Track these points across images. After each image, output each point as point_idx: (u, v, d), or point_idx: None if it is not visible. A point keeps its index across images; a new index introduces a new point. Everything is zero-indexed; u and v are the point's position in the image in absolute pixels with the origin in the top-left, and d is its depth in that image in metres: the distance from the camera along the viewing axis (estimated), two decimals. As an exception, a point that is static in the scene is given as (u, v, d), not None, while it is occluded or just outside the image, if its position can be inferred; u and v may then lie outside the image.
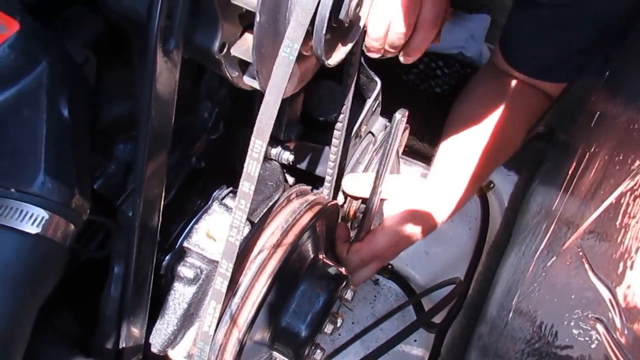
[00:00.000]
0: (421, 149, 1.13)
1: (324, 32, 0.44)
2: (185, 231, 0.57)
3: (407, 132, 0.92)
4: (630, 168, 0.42)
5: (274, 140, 0.71)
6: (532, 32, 0.75)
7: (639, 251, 0.32)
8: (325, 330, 0.62)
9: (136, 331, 0.54)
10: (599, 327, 0.34)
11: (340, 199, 0.80)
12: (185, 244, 0.56)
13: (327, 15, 0.43)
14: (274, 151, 0.71)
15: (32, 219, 0.40)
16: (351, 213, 0.80)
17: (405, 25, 0.64)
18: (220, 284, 0.50)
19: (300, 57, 0.43)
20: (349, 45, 0.52)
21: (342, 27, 0.48)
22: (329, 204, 0.66)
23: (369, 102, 0.78)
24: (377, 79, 0.79)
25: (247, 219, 0.49)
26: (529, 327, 0.55)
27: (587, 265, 0.40)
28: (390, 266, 1.18)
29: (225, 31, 0.45)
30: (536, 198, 0.95)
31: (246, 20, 0.47)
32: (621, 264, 0.34)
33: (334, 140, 0.67)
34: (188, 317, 0.57)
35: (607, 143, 0.54)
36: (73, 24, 0.49)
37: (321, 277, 0.61)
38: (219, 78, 0.62)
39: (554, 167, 0.89)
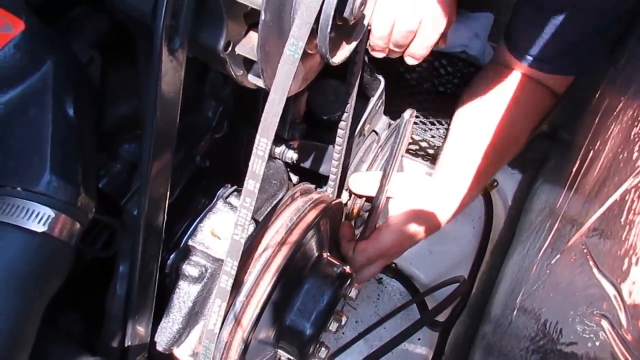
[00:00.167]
0: (425, 147, 1.13)
1: (328, 30, 0.44)
2: (190, 230, 0.57)
3: (412, 119, 0.91)
4: (634, 165, 0.42)
5: (278, 139, 0.71)
6: (537, 23, 0.75)
7: (645, 247, 0.32)
8: (330, 328, 0.62)
9: (141, 330, 0.54)
10: (604, 323, 0.34)
11: (344, 198, 0.80)
12: (190, 243, 0.56)
13: (332, 13, 0.43)
14: (278, 150, 0.71)
15: (38, 218, 0.41)
16: (355, 211, 0.80)
17: (410, 24, 0.65)
18: (225, 282, 0.51)
19: (304, 56, 0.44)
20: (353, 44, 0.52)
21: (347, 26, 0.48)
22: (333, 203, 0.66)
23: (373, 100, 0.78)
24: (380, 77, 0.79)
25: (252, 217, 0.49)
26: (533, 325, 0.54)
27: (591, 263, 0.40)
28: (394, 265, 1.18)
29: (230, 30, 0.45)
30: (540, 196, 0.95)
31: (251, 19, 0.47)
32: (626, 261, 0.34)
33: (337, 138, 0.68)
34: (193, 316, 0.57)
35: (611, 140, 0.54)
36: (78, 24, 0.50)
37: (326, 276, 0.61)
38: (223, 77, 0.62)
39: (558, 165, 0.89)
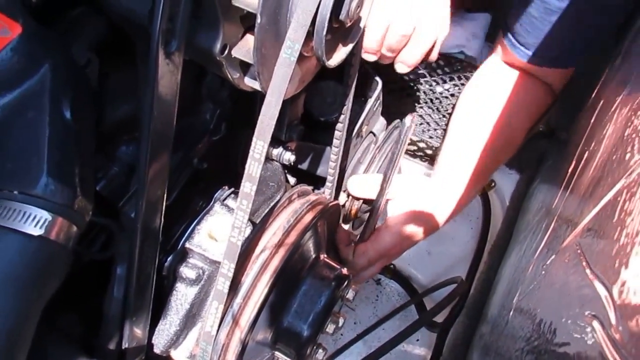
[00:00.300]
0: (423, 147, 1.13)
1: (324, 32, 0.44)
2: (187, 232, 0.57)
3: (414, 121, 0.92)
4: (627, 165, 0.42)
5: (275, 141, 0.72)
6: (535, 17, 0.75)
7: (634, 249, 0.32)
8: (327, 330, 0.62)
9: (139, 332, 0.54)
10: (595, 324, 0.34)
11: (341, 199, 0.80)
12: (187, 245, 0.57)
13: (328, 16, 0.43)
14: (275, 152, 0.71)
15: (35, 221, 0.41)
16: (353, 212, 0.80)
17: (405, 28, 0.65)
18: (222, 284, 0.51)
19: (301, 58, 0.44)
20: (350, 46, 0.52)
21: (343, 28, 0.48)
22: (331, 204, 0.67)
23: (370, 102, 0.78)
24: (377, 78, 0.79)
25: (249, 219, 0.49)
26: (528, 326, 0.55)
27: (584, 263, 0.41)
28: (392, 266, 1.19)
29: (227, 33, 0.45)
30: (537, 197, 0.95)
31: (247, 22, 0.47)
32: (617, 261, 0.34)
33: (335, 140, 0.68)
34: (190, 318, 0.57)
35: (605, 140, 0.54)
36: (76, 26, 0.50)
37: (323, 277, 0.61)
38: (220, 79, 0.62)
39: (555, 165, 0.89)
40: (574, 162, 0.67)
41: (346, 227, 0.84)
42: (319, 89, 0.75)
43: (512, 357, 0.57)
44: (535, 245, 0.70)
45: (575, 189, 0.59)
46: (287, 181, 0.77)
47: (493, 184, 1.17)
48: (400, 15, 0.65)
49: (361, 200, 0.80)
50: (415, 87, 1.02)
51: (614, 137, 0.51)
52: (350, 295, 0.63)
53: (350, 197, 0.80)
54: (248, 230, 0.57)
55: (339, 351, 0.99)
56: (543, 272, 0.58)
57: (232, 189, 0.62)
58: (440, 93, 0.99)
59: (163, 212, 0.51)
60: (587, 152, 0.61)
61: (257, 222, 0.59)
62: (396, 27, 0.65)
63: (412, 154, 1.16)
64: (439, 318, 1.04)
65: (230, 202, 0.60)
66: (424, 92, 1.01)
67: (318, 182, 0.76)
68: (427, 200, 0.78)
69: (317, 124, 0.75)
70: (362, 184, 0.78)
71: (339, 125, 0.67)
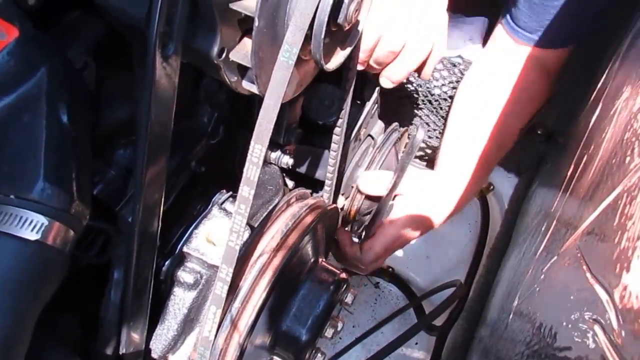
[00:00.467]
0: (422, 147, 1.13)
1: (322, 36, 0.44)
2: (185, 236, 0.57)
3: (407, 134, 0.92)
4: (627, 169, 0.42)
5: (273, 144, 0.71)
6: (536, 2, 0.75)
7: (636, 252, 0.32)
8: (326, 334, 0.62)
9: (136, 337, 0.54)
10: (597, 328, 0.34)
11: (340, 202, 0.80)
12: (185, 249, 0.56)
13: (326, 19, 0.43)
14: (274, 155, 0.71)
15: (31, 226, 0.40)
16: (352, 214, 0.81)
17: (394, 45, 0.65)
18: (220, 288, 0.50)
19: (299, 61, 0.44)
20: (348, 50, 0.52)
21: (341, 32, 0.48)
22: (329, 208, 0.67)
23: (368, 105, 0.78)
24: (375, 82, 0.79)
25: (247, 223, 0.49)
26: (528, 329, 0.55)
27: (585, 267, 0.41)
28: (390, 269, 1.18)
29: (224, 36, 0.45)
30: (536, 200, 0.95)
31: (245, 25, 0.47)
32: (618, 265, 0.34)
33: (333, 144, 0.68)
34: (188, 322, 0.57)
35: (604, 144, 0.54)
36: (73, 30, 0.50)
37: (321, 281, 0.61)
38: (218, 82, 0.62)
39: (553, 168, 0.89)
40: (572, 165, 0.67)
41: (346, 229, 0.84)
42: (316, 92, 0.75)
43: (511, 361, 0.57)
44: (535, 248, 0.70)
45: (574, 192, 0.59)
46: (286, 185, 0.77)
47: (492, 187, 1.17)
48: (391, 31, 0.65)
49: (361, 202, 0.81)
50: (413, 91, 1.02)
51: (613, 141, 0.51)
52: (349, 299, 0.63)
53: (350, 199, 0.81)
54: (246, 234, 0.56)
55: (337, 355, 0.99)
56: (543, 276, 0.58)
57: (230, 193, 0.61)
58: (439, 95, 1.00)
59: (160, 215, 0.51)
60: (586, 156, 0.61)
61: (256, 226, 0.59)
62: (386, 42, 0.66)
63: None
64: (438, 321, 1.04)
65: (228, 205, 0.60)
66: (423, 95, 1.01)
67: (316, 186, 0.76)
68: (428, 196, 0.80)
69: (315, 127, 0.75)
70: (372, 182, 0.79)
71: (337, 129, 0.67)
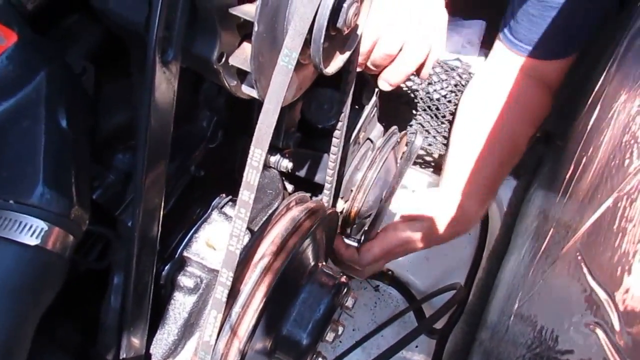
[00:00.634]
0: (422, 154, 1.13)
1: (322, 40, 0.44)
2: (185, 240, 0.57)
3: (406, 137, 0.92)
4: (626, 172, 0.42)
5: (272, 148, 0.71)
6: (532, 10, 0.75)
7: (637, 255, 0.32)
8: (327, 338, 0.61)
9: (137, 342, 0.54)
10: (599, 331, 0.34)
11: (339, 206, 0.80)
12: (185, 254, 0.56)
13: (325, 23, 0.43)
14: (273, 159, 0.71)
15: (31, 231, 0.40)
16: (352, 217, 0.81)
17: (390, 48, 0.65)
18: (220, 293, 0.50)
19: (298, 66, 0.44)
20: (347, 54, 0.52)
21: (340, 36, 0.48)
22: (329, 211, 0.66)
23: (367, 108, 0.78)
24: (374, 85, 0.79)
25: (247, 227, 0.49)
26: (529, 332, 0.54)
27: (585, 270, 0.41)
28: (390, 272, 1.18)
29: (224, 41, 0.45)
30: (535, 202, 0.95)
31: (244, 30, 0.47)
32: (619, 268, 0.34)
33: (332, 147, 0.68)
34: (189, 327, 0.57)
35: (603, 147, 0.54)
36: (71, 35, 0.50)
37: (322, 285, 0.61)
38: (217, 87, 0.62)
39: (552, 171, 0.89)
40: (571, 168, 0.67)
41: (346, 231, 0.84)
42: (315, 96, 0.75)
43: (512, 364, 0.57)
44: (534, 251, 0.70)
45: (573, 195, 0.59)
46: (285, 188, 0.77)
47: (490, 190, 1.17)
48: (388, 34, 0.65)
49: (361, 204, 0.81)
50: (412, 94, 1.02)
51: (611, 143, 0.51)
52: (349, 302, 0.63)
53: (349, 201, 0.81)
54: (246, 239, 0.56)
55: (338, 358, 0.98)
56: (543, 279, 0.58)
57: (230, 197, 0.61)
58: (438, 100, 1.00)
59: (160, 220, 0.51)
60: (585, 158, 0.61)
61: (255, 229, 0.59)
62: (382, 45, 0.65)
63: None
64: (438, 324, 1.04)
65: (228, 210, 0.60)
66: (421, 99, 1.02)
67: (316, 189, 0.76)
68: (434, 211, 0.80)
69: (315, 131, 0.75)
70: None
71: (336, 132, 0.67)
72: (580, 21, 0.77)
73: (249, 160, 0.45)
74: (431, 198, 0.82)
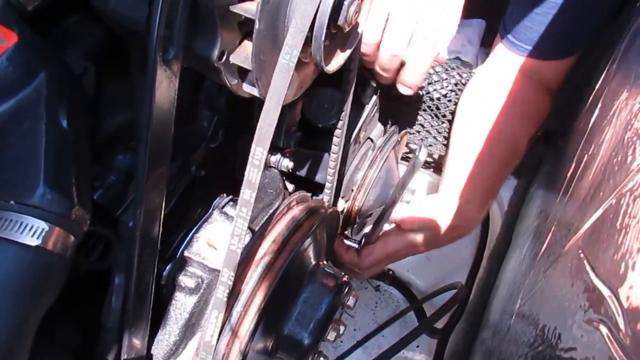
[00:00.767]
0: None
1: (323, 38, 0.44)
2: (186, 240, 0.57)
3: (406, 137, 0.92)
4: (629, 169, 0.42)
5: (273, 148, 0.71)
6: (532, 10, 0.75)
7: (641, 252, 0.32)
8: (329, 337, 0.61)
9: (138, 342, 0.54)
10: (603, 328, 0.34)
11: (340, 205, 0.80)
12: (186, 254, 0.56)
13: (326, 21, 0.43)
14: (274, 158, 0.71)
15: (32, 231, 0.40)
16: (353, 216, 0.81)
17: (394, 47, 0.62)
18: (222, 292, 0.50)
19: (299, 64, 0.44)
20: (348, 52, 0.52)
21: (341, 33, 0.48)
22: (330, 211, 0.66)
23: (368, 108, 0.78)
24: (374, 84, 0.79)
25: (248, 227, 0.49)
26: (531, 331, 0.54)
27: (588, 267, 0.40)
28: (391, 272, 1.18)
29: (225, 39, 0.45)
30: (536, 201, 0.95)
31: (245, 28, 0.47)
32: (623, 265, 0.34)
33: (333, 146, 0.68)
34: (190, 327, 0.57)
35: (605, 144, 0.54)
36: (72, 35, 0.50)
37: (323, 284, 0.61)
38: (217, 86, 0.62)
39: (552, 170, 0.89)
40: (573, 166, 0.67)
41: (346, 232, 0.84)
42: (316, 95, 0.75)
43: (515, 363, 0.57)
44: (536, 249, 0.70)
45: (575, 193, 0.59)
46: (286, 188, 0.77)
47: (491, 189, 1.17)
48: (390, 31, 0.63)
49: (362, 203, 0.81)
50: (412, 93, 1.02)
51: (613, 141, 0.51)
52: (351, 302, 0.63)
53: (350, 201, 0.81)
54: (247, 238, 0.56)
55: (339, 358, 0.98)
56: (545, 277, 0.58)
57: (231, 197, 0.61)
58: (438, 99, 1.00)
59: (161, 220, 0.50)
60: (586, 156, 0.61)
61: (256, 229, 0.59)
62: (386, 46, 0.63)
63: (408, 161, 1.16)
64: (439, 324, 1.04)
65: (228, 209, 0.60)
66: (420, 98, 1.01)
67: (316, 189, 0.76)
68: (435, 214, 0.79)
69: (315, 130, 0.75)
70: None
71: (337, 132, 0.67)
72: (581, 21, 0.76)
73: (250, 158, 0.45)
74: (431, 201, 0.81)
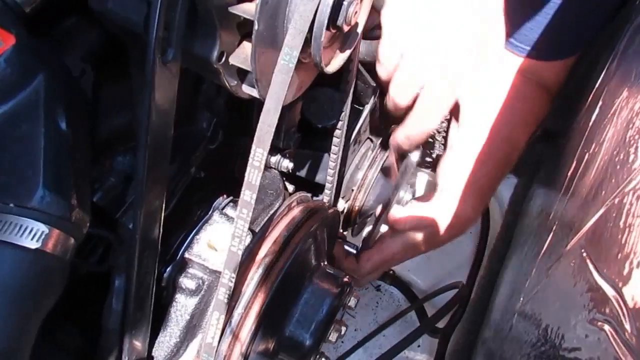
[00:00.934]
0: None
1: (322, 38, 0.44)
2: (186, 242, 0.57)
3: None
4: (631, 167, 0.42)
5: (273, 149, 0.71)
6: (530, 10, 0.75)
7: (646, 250, 0.32)
8: (330, 338, 0.61)
9: (139, 344, 0.53)
10: (607, 328, 0.34)
11: (340, 206, 0.80)
12: (186, 255, 0.56)
13: (326, 21, 0.43)
14: (273, 159, 0.71)
15: (31, 234, 0.40)
16: (353, 216, 0.80)
17: (404, 98, 0.62)
18: (223, 294, 0.50)
19: (298, 64, 0.43)
20: (347, 52, 0.52)
21: (340, 34, 0.48)
22: (330, 211, 0.66)
23: (367, 108, 0.78)
24: (374, 84, 0.79)
25: (249, 228, 0.48)
26: (534, 330, 0.54)
27: (591, 266, 0.40)
28: (391, 272, 1.18)
29: (224, 40, 0.45)
30: (536, 200, 0.95)
31: (244, 29, 0.47)
32: (627, 264, 0.34)
33: (333, 147, 0.67)
34: (191, 329, 0.56)
35: (606, 143, 0.54)
36: (70, 37, 0.49)
37: (324, 285, 0.61)
38: (216, 87, 0.62)
39: (553, 169, 0.89)
40: (573, 165, 0.67)
41: (345, 233, 0.84)
42: (316, 96, 0.74)
43: (517, 363, 0.57)
44: (537, 249, 0.70)
45: (576, 192, 0.59)
46: (286, 189, 0.76)
47: (491, 188, 1.17)
48: (399, 82, 0.62)
49: (362, 203, 0.81)
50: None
51: (615, 139, 0.51)
52: (352, 302, 0.63)
53: (350, 201, 0.80)
54: (248, 239, 0.56)
55: (340, 359, 0.98)
56: (547, 276, 0.58)
57: (231, 198, 0.61)
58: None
59: (162, 222, 0.50)
60: (587, 155, 0.60)
61: (257, 230, 0.58)
62: (395, 97, 0.62)
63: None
64: (440, 324, 1.04)
65: (229, 210, 0.59)
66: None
67: (316, 190, 0.76)
68: (432, 214, 0.79)
69: (315, 131, 0.75)
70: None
71: (337, 132, 0.66)
72: (581, 22, 0.76)
73: (250, 160, 0.44)
74: (428, 201, 0.81)
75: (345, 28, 0.46)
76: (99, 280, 0.52)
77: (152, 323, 0.54)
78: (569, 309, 0.43)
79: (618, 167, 0.45)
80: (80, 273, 0.52)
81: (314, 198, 0.73)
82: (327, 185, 0.71)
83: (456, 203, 0.79)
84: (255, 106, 0.65)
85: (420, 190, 1.16)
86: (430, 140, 1.07)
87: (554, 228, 0.66)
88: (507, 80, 0.82)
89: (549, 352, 0.46)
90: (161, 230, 0.50)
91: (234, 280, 0.49)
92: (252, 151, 0.44)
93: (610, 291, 0.35)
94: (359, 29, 0.51)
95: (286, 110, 0.69)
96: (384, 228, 0.79)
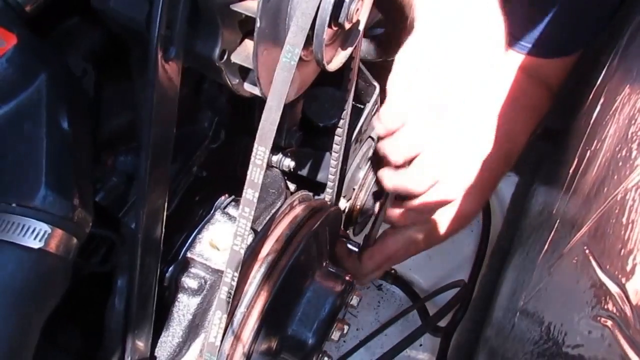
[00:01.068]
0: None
1: (324, 36, 0.44)
2: (189, 241, 0.57)
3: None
4: (634, 164, 0.42)
5: (274, 147, 0.71)
6: (537, 11, 0.75)
7: (649, 247, 0.32)
8: (332, 337, 0.61)
9: (141, 344, 0.53)
10: (610, 324, 0.34)
11: (342, 205, 0.80)
12: (188, 255, 0.56)
13: (328, 19, 0.43)
14: (275, 158, 0.71)
15: (34, 234, 0.40)
16: (354, 214, 0.80)
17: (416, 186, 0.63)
18: (225, 293, 0.50)
19: (300, 62, 0.43)
20: (349, 50, 0.52)
21: (342, 31, 0.48)
22: (332, 210, 0.66)
23: (369, 106, 0.78)
24: (375, 83, 0.78)
25: (251, 227, 0.48)
26: (536, 328, 0.54)
27: (594, 263, 0.40)
28: (393, 271, 1.18)
29: (225, 38, 0.45)
30: (538, 198, 0.95)
31: (246, 27, 0.46)
32: (630, 260, 0.34)
33: (334, 145, 0.67)
34: (193, 329, 0.56)
35: (608, 139, 0.54)
36: (72, 36, 0.49)
37: (326, 284, 0.61)
38: (218, 86, 0.62)
39: (554, 166, 0.89)
40: (575, 162, 0.67)
41: (347, 231, 0.84)
42: (317, 94, 0.74)
43: (520, 361, 0.57)
44: (539, 246, 0.70)
45: (578, 189, 0.59)
46: (288, 188, 0.76)
47: (492, 186, 1.17)
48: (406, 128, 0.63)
49: (364, 201, 0.80)
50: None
51: (616, 136, 0.51)
52: (354, 301, 0.63)
53: (352, 199, 0.80)
54: (250, 238, 0.56)
55: (342, 358, 0.98)
56: (549, 274, 0.58)
57: (233, 197, 0.61)
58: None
59: (164, 221, 0.50)
60: (589, 152, 0.60)
61: (259, 229, 0.58)
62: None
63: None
64: (442, 322, 1.04)
65: (231, 210, 0.59)
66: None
67: (318, 188, 0.76)
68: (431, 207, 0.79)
69: (316, 129, 0.75)
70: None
71: (338, 131, 0.66)
72: (583, 20, 0.76)
73: (252, 158, 0.44)
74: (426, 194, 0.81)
75: (347, 25, 0.46)
76: (101, 281, 0.52)
77: (155, 323, 0.54)
78: (572, 306, 0.43)
79: (620, 163, 0.45)
80: (83, 273, 0.52)
81: (316, 197, 0.73)
82: (329, 184, 0.71)
83: (457, 199, 0.79)
84: (257, 104, 0.65)
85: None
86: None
87: (556, 226, 0.66)
88: (509, 77, 0.82)
89: (551, 349, 0.46)
90: (163, 229, 0.50)
91: (236, 279, 0.49)
92: (254, 149, 0.44)
93: (613, 287, 0.35)
94: (361, 27, 0.51)
95: (288, 108, 0.69)
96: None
